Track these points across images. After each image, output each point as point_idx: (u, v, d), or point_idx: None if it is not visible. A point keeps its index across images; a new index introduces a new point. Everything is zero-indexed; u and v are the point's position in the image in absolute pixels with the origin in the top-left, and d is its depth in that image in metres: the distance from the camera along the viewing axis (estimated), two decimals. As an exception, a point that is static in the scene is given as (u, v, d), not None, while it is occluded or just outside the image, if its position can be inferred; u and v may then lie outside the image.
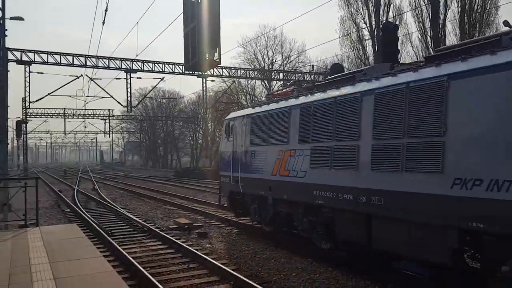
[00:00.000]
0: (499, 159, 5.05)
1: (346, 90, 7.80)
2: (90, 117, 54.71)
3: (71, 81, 31.74)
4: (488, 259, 5.57)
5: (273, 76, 35.77)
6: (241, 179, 11.50)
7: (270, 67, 42.46)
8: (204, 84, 33.78)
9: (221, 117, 35.93)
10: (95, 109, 54.18)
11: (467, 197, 5.29)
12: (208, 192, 23.51)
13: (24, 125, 40.85)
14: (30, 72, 30.93)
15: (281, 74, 35.39)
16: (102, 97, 43.69)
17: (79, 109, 53.02)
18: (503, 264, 5.19)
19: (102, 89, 34.21)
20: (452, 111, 5.67)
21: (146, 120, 68.95)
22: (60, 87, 33.20)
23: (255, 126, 10.95)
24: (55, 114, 52.49)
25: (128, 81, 31.49)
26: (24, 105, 37.29)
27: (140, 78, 33.12)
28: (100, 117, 55.25)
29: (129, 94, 32.59)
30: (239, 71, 33.67)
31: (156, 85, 38.25)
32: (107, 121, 58.55)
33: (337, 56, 36.97)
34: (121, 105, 36.44)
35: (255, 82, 43.50)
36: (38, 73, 31.92)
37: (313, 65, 35.50)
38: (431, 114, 5.95)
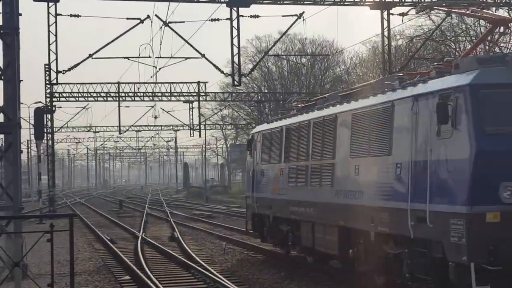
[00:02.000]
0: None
1: (297, 118, 20.37)
2: (163, 98, 57.75)
3: (128, 30, 34.51)
4: (343, 247, 16.53)
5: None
6: (256, 199, 23.06)
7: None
8: (386, 22, 33.72)
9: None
10: (172, 83, 56.55)
11: (339, 203, 16.55)
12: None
13: (49, 116, 45.59)
14: (57, 14, 34.30)
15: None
16: (186, 58, 45.84)
17: (143, 83, 55.30)
18: (351, 250, 16.17)
19: (186, 41, 35.87)
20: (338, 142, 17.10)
21: (268, 101, 71.22)
22: (110, 42, 36.03)
23: (265, 143, 22.22)
24: (101, 94, 55.97)
25: (234, 23, 32.98)
26: (48, 77, 40.88)
27: (258, 16, 34.33)
28: (181, 97, 58.43)
29: (236, 51, 34.07)
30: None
31: (288, 29, 38.83)
32: (194, 104, 61.85)
33: None
34: (221, 72, 38.22)
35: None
36: (70, 16, 34.52)
37: None
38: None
